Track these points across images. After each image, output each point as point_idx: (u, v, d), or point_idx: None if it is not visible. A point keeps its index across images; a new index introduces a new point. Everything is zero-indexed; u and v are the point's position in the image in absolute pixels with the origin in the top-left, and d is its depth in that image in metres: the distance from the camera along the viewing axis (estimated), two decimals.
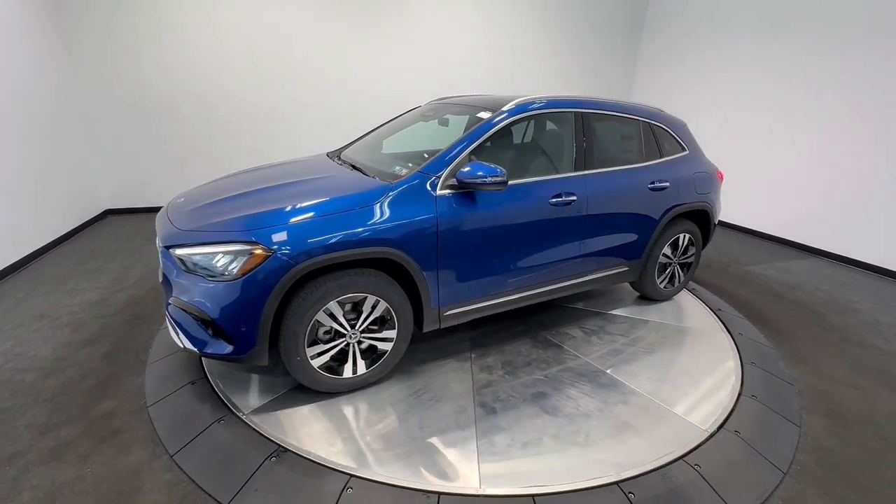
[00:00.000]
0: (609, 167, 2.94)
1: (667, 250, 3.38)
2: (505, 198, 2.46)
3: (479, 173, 2.24)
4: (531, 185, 2.61)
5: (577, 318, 3.29)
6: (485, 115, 2.66)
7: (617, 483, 1.90)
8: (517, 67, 6.88)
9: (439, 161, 2.38)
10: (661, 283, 3.49)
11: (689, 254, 3.55)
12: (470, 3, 6.33)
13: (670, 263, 3.49)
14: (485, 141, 2.51)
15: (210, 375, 2.47)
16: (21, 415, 2.21)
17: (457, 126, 2.92)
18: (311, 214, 2.08)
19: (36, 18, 4.42)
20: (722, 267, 4.73)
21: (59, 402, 2.31)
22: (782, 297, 4.04)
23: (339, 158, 3.00)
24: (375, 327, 2.31)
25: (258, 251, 1.93)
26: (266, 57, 5.68)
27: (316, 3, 5.69)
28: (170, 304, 2.15)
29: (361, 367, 2.34)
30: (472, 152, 2.45)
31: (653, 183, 3.09)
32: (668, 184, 3.14)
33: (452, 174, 2.33)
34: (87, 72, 5.08)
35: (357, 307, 2.22)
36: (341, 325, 2.20)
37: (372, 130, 3.51)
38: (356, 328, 2.25)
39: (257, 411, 2.21)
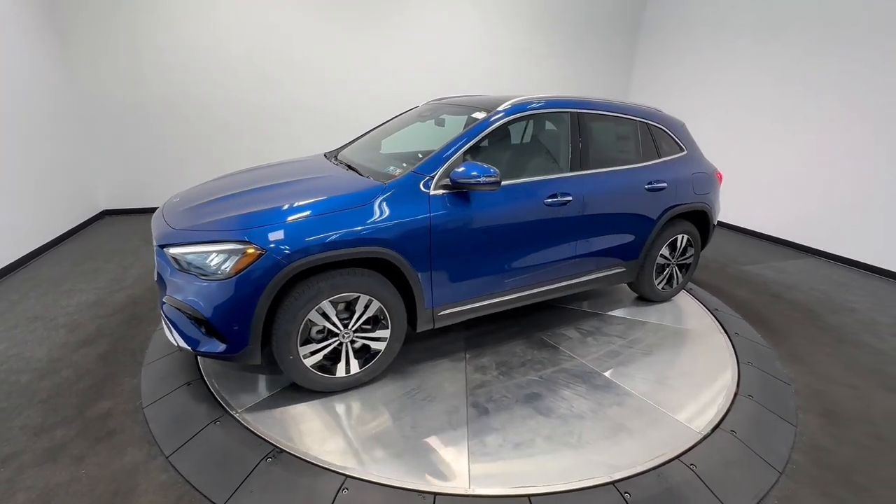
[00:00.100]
0: (605, 167, 2.93)
1: (665, 251, 3.37)
2: (499, 198, 2.46)
3: (473, 173, 2.23)
4: (526, 186, 2.61)
5: (574, 320, 3.28)
6: (480, 115, 2.66)
7: (612, 483, 1.90)
8: (516, 68, 6.89)
9: (433, 161, 2.38)
10: (659, 284, 3.48)
11: (687, 255, 3.53)
12: (469, 4, 6.34)
13: (668, 264, 3.48)
14: (480, 141, 2.51)
15: (206, 376, 2.47)
16: (16, 416, 2.21)
17: (453, 126, 2.92)
18: (304, 214, 2.08)
19: (34, 19, 4.43)
20: (719, 267, 4.72)
21: (54, 403, 2.31)
22: (779, 297, 4.03)
23: (336, 159, 3.00)
24: (368, 327, 2.31)
25: (251, 250, 1.94)
26: (266, 57, 5.69)
27: (316, 4, 5.69)
28: (164, 302, 2.16)
29: (355, 367, 2.34)
30: (467, 152, 2.44)
31: (650, 183, 3.08)
32: (665, 184, 3.13)
33: (446, 174, 2.33)
34: (87, 72, 5.08)
35: (350, 307, 2.22)
36: (334, 324, 2.20)
37: (369, 131, 3.51)
38: (349, 328, 2.25)
39: (251, 410, 2.22)
